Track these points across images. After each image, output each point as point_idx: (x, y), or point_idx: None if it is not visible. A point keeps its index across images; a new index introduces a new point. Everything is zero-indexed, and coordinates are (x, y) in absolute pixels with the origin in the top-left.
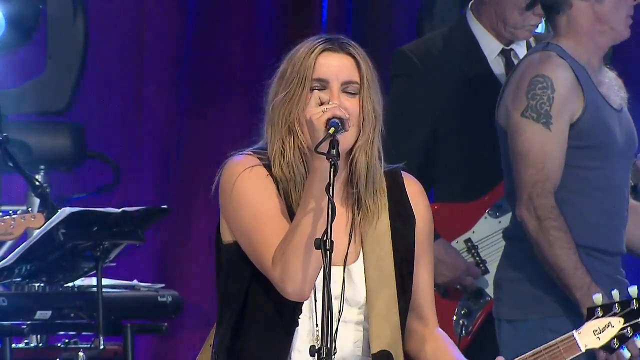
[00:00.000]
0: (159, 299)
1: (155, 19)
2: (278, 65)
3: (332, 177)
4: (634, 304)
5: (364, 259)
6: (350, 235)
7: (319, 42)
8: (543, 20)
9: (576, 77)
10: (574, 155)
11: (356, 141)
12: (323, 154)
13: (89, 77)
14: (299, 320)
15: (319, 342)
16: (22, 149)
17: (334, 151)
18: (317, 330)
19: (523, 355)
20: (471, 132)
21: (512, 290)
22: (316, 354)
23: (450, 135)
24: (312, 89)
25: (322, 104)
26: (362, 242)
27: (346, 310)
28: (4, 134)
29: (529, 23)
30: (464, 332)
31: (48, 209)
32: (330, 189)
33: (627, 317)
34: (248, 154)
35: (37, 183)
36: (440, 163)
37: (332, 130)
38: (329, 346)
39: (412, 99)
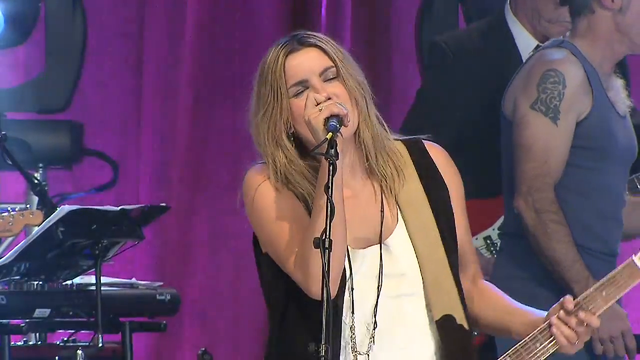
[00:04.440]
0: (158, 297)
1: (154, 17)
2: (252, 86)
3: (330, 177)
4: None
5: (407, 228)
6: (382, 212)
7: (279, 47)
8: None
9: (587, 77)
10: (575, 154)
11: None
12: (322, 154)
13: (88, 75)
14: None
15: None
16: (21, 147)
17: (332, 151)
18: (362, 301)
19: (588, 291)
20: (499, 126)
21: (509, 288)
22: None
23: (479, 129)
24: (295, 96)
25: (318, 103)
26: (400, 213)
27: (392, 285)
28: (3, 132)
29: (564, 19)
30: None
31: (47, 207)
32: (329, 189)
33: None
34: (263, 164)
35: (35, 181)
36: (466, 157)
37: (329, 135)
38: (329, 344)
39: (444, 91)
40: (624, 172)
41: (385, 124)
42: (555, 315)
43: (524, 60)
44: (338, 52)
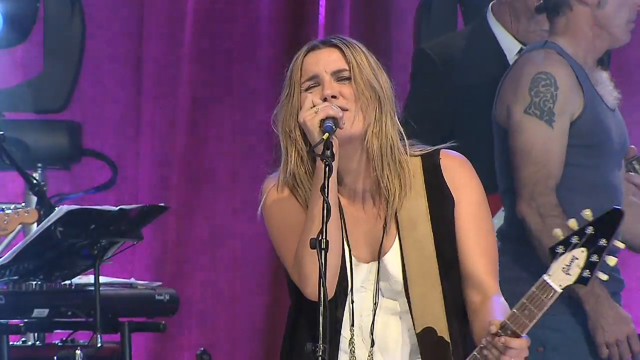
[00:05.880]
0: (156, 297)
1: (153, 17)
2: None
3: (326, 177)
4: (589, 229)
5: (400, 244)
6: (384, 228)
7: (307, 44)
8: None
9: (576, 75)
10: (572, 153)
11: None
12: (318, 155)
13: (87, 75)
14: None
15: (360, 331)
16: (19, 147)
17: (328, 152)
18: (361, 317)
19: (511, 311)
20: (490, 130)
21: (510, 290)
22: (313, 353)
23: (468, 133)
24: (306, 90)
25: (314, 106)
26: (397, 229)
27: (390, 303)
28: (1, 132)
29: (541, 27)
30: None
31: (45, 207)
32: (325, 190)
33: (588, 245)
34: (275, 173)
35: (34, 181)
36: None
37: (325, 135)
38: (327, 345)
39: (431, 98)
40: (620, 165)
41: (405, 139)
42: (485, 338)
43: (509, 61)
44: (358, 57)
